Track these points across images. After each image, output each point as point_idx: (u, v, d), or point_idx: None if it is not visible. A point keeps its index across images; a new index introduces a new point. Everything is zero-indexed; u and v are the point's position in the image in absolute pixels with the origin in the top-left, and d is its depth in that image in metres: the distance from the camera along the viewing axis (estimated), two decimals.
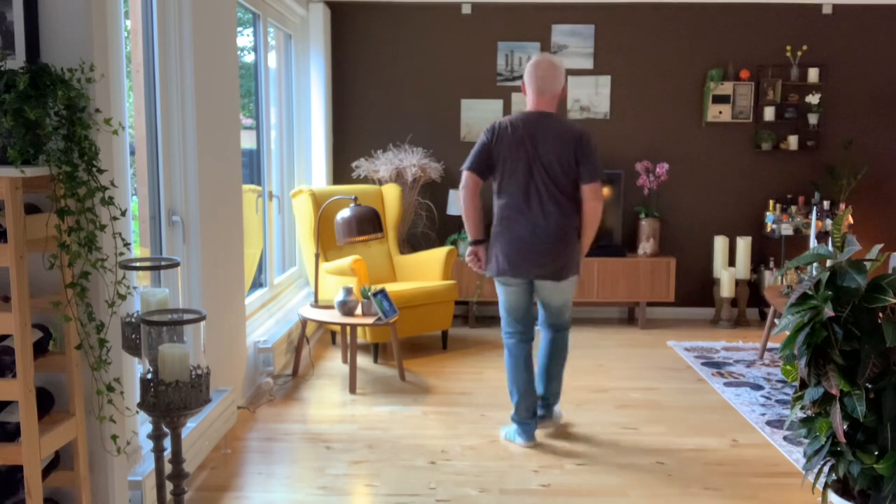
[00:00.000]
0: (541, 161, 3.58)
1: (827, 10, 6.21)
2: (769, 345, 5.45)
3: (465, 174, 3.66)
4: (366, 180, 6.35)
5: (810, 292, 2.53)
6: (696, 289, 6.52)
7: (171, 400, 2.22)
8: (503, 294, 3.77)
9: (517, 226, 3.62)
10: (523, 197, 3.61)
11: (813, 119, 6.20)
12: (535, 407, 3.80)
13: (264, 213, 5.19)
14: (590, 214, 3.63)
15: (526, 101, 3.74)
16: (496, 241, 3.70)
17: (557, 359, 3.90)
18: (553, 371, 3.91)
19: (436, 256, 5.55)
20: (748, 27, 6.24)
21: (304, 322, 4.89)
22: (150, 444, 2.93)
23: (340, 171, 6.42)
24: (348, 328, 4.79)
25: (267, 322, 5.00)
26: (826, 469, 2.60)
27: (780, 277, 5.56)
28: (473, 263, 3.78)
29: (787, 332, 2.55)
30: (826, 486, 2.61)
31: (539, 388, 3.91)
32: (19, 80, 2.19)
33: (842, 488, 2.59)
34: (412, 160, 6.06)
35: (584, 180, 3.61)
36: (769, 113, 6.20)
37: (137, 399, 2.62)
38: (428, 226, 6.47)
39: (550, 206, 3.60)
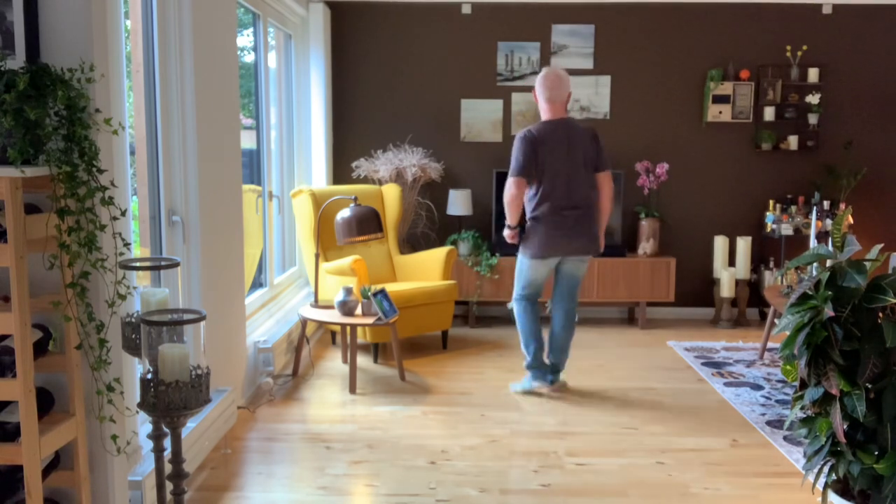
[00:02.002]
0: (575, 159, 4.29)
1: (827, 10, 6.21)
2: (769, 345, 5.45)
3: (514, 180, 4.29)
4: (366, 180, 6.35)
5: (810, 292, 2.53)
6: (696, 289, 6.52)
7: (171, 400, 2.22)
8: (535, 269, 4.40)
9: (563, 218, 4.29)
10: (567, 192, 4.29)
11: (813, 119, 6.20)
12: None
13: (264, 213, 5.19)
14: (608, 196, 4.44)
15: (541, 109, 4.40)
16: (542, 228, 4.32)
17: (572, 331, 4.52)
18: (567, 343, 4.53)
19: (436, 256, 5.55)
20: (748, 27, 6.24)
21: (304, 322, 4.89)
22: (150, 444, 2.92)
23: (340, 171, 6.42)
24: (348, 328, 4.79)
25: (267, 322, 5.00)
26: (826, 469, 2.60)
27: (780, 277, 5.56)
28: (513, 238, 4.45)
29: (787, 332, 2.55)
30: (826, 486, 2.61)
31: (554, 356, 4.52)
32: (19, 80, 2.19)
33: (842, 488, 2.59)
34: (412, 160, 6.06)
35: (603, 168, 4.40)
36: (769, 113, 6.20)
37: (137, 399, 2.62)
38: (428, 226, 6.46)
39: (584, 198, 4.33)
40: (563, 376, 4.60)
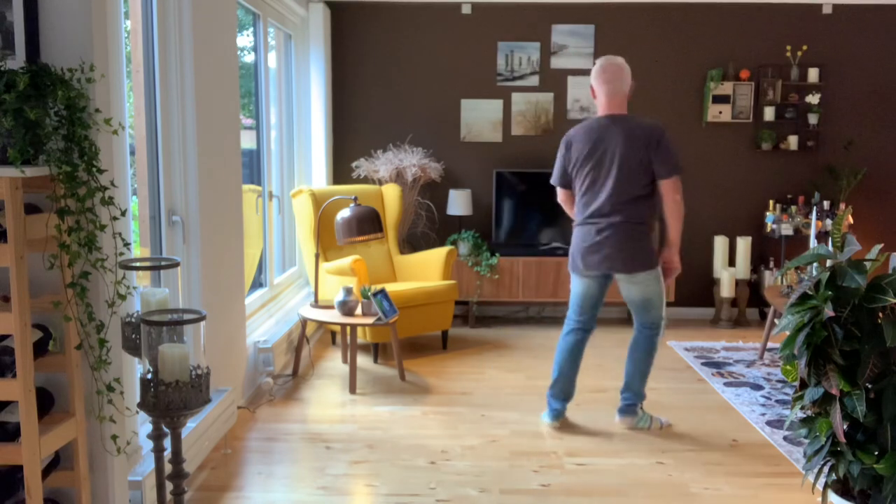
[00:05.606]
0: (614, 161, 3.75)
1: (827, 10, 6.21)
2: (769, 345, 5.44)
3: (557, 190, 4.04)
4: (366, 180, 6.35)
5: (810, 292, 2.53)
6: (696, 289, 6.52)
7: (171, 400, 2.22)
8: (574, 283, 4.00)
9: (589, 228, 3.83)
10: (595, 198, 3.81)
11: (813, 119, 6.20)
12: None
13: (264, 213, 5.19)
14: (672, 208, 3.77)
15: (598, 105, 3.90)
16: (574, 239, 3.93)
17: (640, 355, 3.97)
18: (633, 368, 3.98)
19: (436, 256, 5.55)
20: (748, 27, 6.24)
21: (304, 322, 4.89)
22: (150, 444, 2.92)
23: (340, 171, 6.42)
24: (348, 328, 4.79)
25: (267, 322, 5.00)
26: (826, 469, 2.60)
27: (780, 277, 5.56)
28: None
29: (787, 332, 2.55)
30: (826, 486, 2.61)
31: (624, 377, 4.04)
32: (19, 80, 2.19)
33: (842, 488, 2.59)
34: (412, 160, 6.06)
35: (661, 176, 3.75)
36: (769, 113, 6.20)
37: (137, 399, 2.62)
38: (428, 226, 6.47)
39: (619, 207, 3.76)
40: (641, 411, 4.01)
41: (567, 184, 3.95)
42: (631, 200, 3.76)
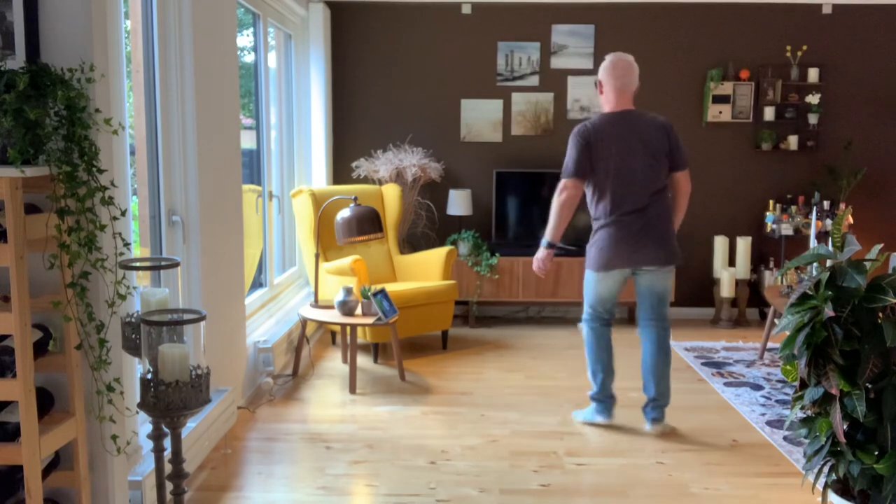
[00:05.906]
0: (640, 155, 3.74)
1: (827, 10, 6.21)
2: (769, 345, 5.44)
3: (565, 182, 3.79)
4: (366, 180, 6.35)
5: (810, 292, 2.53)
6: (696, 289, 6.52)
7: (171, 400, 2.22)
8: (600, 283, 3.88)
9: (624, 223, 3.75)
10: (628, 193, 3.74)
11: (813, 119, 6.20)
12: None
13: (264, 213, 5.19)
14: (686, 198, 3.91)
15: (605, 100, 3.86)
16: (603, 236, 3.81)
17: (665, 357, 3.91)
18: (662, 372, 3.91)
19: (436, 256, 5.55)
20: (748, 27, 6.24)
21: (304, 322, 4.89)
22: (150, 444, 2.92)
23: (340, 171, 6.42)
24: (348, 328, 4.79)
25: (267, 322, 5.00)
26: (826, 469, 2.60)
27: (780, 277, 5.56)
28: (541, 271, 3.91)
29: (787, 332, 2.55)
30: (826, 486, 2.61)
31: (648, 389, 3.94)
32: (19, 80, 2.19)
33: (842, 488, 2.59)
34: (412, 160, 6.06)
35: (680, 167, 3.85)
36: (769, 113, 6.20)
37: (137, 399, 2.62)
38: (428, 226, 6.47)
39: (651, 201, 3.76)
40: (667, 417, 3.98)
41: (586, 178, 3.78)
42: (659, 192, 3.79)
